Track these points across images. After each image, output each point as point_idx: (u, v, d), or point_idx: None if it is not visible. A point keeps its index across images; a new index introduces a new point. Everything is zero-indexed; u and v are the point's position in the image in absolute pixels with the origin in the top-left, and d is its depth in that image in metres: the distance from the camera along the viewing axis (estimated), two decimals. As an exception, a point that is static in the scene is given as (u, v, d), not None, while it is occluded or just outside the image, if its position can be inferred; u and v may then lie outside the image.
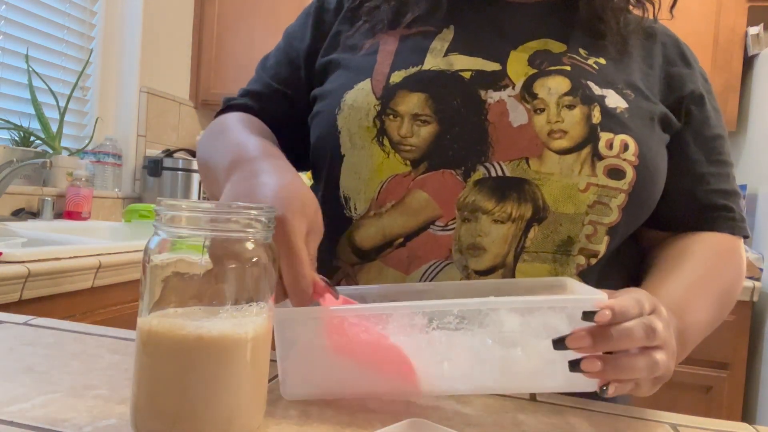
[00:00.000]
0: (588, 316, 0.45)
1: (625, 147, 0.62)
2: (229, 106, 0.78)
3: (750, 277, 2.07)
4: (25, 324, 0.65)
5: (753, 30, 2.31)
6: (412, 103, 0.63)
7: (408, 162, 0.63)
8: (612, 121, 0.63)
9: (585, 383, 0.47)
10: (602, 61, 0.68)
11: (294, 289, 0.45)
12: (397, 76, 0.65)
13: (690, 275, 0.64)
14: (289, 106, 0.75)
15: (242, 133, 0.64)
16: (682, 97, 0.70)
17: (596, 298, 0.46)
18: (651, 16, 0.73)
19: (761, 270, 2.07)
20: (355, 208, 0.65)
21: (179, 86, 2.70)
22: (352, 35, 0.73)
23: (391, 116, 0.63)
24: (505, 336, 0.47)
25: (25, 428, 0.39)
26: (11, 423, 0.40)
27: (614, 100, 0.64)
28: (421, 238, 0.63)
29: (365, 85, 0.66)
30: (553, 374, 0.47)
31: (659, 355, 0.47)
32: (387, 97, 0.64)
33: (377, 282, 0.64)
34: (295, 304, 0.46)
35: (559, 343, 0.45)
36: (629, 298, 0.48)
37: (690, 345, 0.59)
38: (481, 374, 0.48)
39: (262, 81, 0.78)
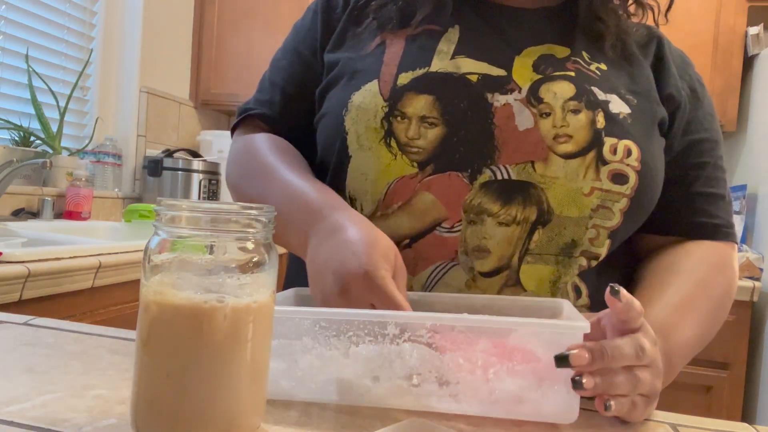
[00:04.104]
0: (562, 362, 0.43)
1: (629, 152, 0.62)
2: (247, 116, 0.78)
3: (750, 277, 2.07)
4: (25, 324, 0.65)
5: (753, 30, 2.31)
6: (419, 105, 0.63)
7: (415, 164, 0.63)
8: (615, 126, 0.63)
9: (554, 414, 0.45)
10: (603, 67, 0.68)
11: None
12: (404, 78, 0.65)
13: (676, 294, 0.62)
14: (307, 108, 0.75)
15: (288, 172, 0.66)
16: (662, 99, 0.70)
17: (577, 325, 0.44)
18: (651, 21, 0.74)
19: (761, 270, 2.07)
20: (362, 209, 0.65)
21: (179, 86, 2.70)
22: (359, 34, 0.72)
23: (398, 118, 0.64)
24: (478, 356, 0.45)
25: (24, 428, 0.39)
26: (11, 423, 0.40)
27: (617, 106, 0.64)
28: (427, 240, 0.63)
29: (372, 87, 0.66)
30: (525, 401, 0.45)
31: (643, 373, 0.46)
32: (395, 98, 0.64)
33: None
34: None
35: (563, 361, 0.43)
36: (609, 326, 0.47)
37: (678, 365, 0.58)
38: (449, 394, 0.45)
39: (277, 86, 0.77)
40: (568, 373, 0.44)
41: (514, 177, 0.62)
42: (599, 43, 0.70)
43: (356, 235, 0.53)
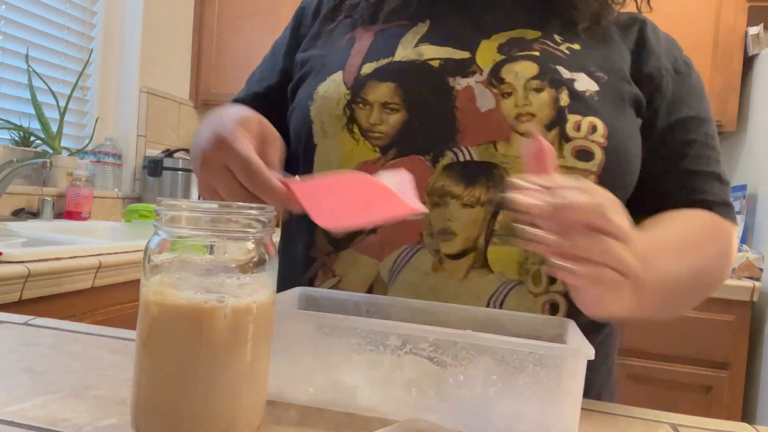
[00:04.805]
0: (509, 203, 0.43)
1: (593, 129, 0.62)
2: None
3: (750, 277, 2.07)
4: (25, 324, 0.65)
5: (753, 30, 2.31)
6: (381, 92, 0.64)
7: (377, 149, 0.64)
8: (580, 103, 0.62)
9: None
10: (576, 46, 0.68)
11: (262, 189, 0.47)
12: (368, 68, 0.67)
13: (664, 235, 0.60)
14: (275, 108, 0.76)
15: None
16: (641, 79, 0.69)
17: (580, 350, 0.42)
18: (636, 9, 0.74)
19: (761, 270, 2.07)
20: None
21: (179, 86, 2.70)
22: (331, 31, 0.74)
23: (360, 105, 0.65)
24: (479, 374, 0.44)
25: (24, 428, 0.39)
26: (11, 423, 0.40)
27: (584, 84, 0.64)
28: (391, 224, 0.63)
29: (337, 77, 0.67)
30: (525, 421, 0.43)
31: (612, 242, 0.43)
32: (357, 87, 0.65)
33: (353, 270, 0.65)
34: (273, 202, 0.47)
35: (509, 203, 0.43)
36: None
37: (655, 296, 0.53)
38: (447, 410, 0.44)
39: (249, 89, 0.81)
40: (570, 394, 0.43)
41: (476, 158, 0.62)
42: (574, 26, 0.69)
43: (224, 116, 0.54)
